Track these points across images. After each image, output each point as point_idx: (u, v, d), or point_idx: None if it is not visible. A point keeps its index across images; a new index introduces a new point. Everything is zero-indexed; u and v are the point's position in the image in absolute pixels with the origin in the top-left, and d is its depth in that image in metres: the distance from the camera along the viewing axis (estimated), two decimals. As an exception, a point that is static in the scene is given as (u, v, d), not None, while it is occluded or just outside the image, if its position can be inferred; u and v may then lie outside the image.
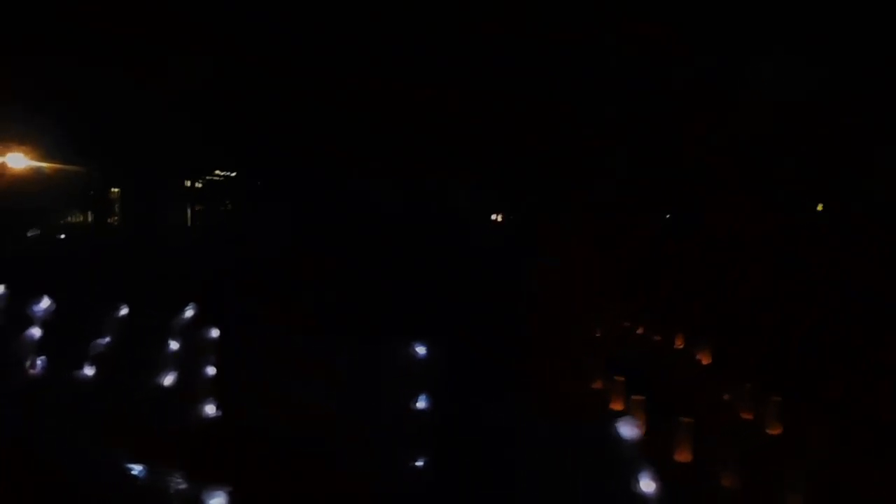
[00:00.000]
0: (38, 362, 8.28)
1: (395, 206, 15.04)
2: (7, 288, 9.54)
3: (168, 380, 7.96)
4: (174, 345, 8.41)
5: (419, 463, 6.26)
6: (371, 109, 14.84)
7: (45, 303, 8.89)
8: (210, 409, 7.26)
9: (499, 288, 11.32)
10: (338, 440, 6.44)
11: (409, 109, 14.74)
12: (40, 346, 8.41)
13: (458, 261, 12.60)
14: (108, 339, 8.61)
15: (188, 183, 20.77)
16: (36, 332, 8.57)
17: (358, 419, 6.86)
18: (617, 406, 7.88)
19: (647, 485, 5.68)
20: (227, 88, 15.35)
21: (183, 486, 5.63)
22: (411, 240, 13.61)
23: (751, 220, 13.12)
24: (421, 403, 7.37)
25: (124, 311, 9.12)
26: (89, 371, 8.17)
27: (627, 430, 6.08)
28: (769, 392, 7.69)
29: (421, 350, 8.07)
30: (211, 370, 7.95)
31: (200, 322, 8.73)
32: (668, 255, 13.80)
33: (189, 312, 9.08)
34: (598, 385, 8.64)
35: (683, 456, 6.52)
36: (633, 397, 7.39)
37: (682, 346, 10.52)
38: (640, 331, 11.35)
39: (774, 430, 7.41)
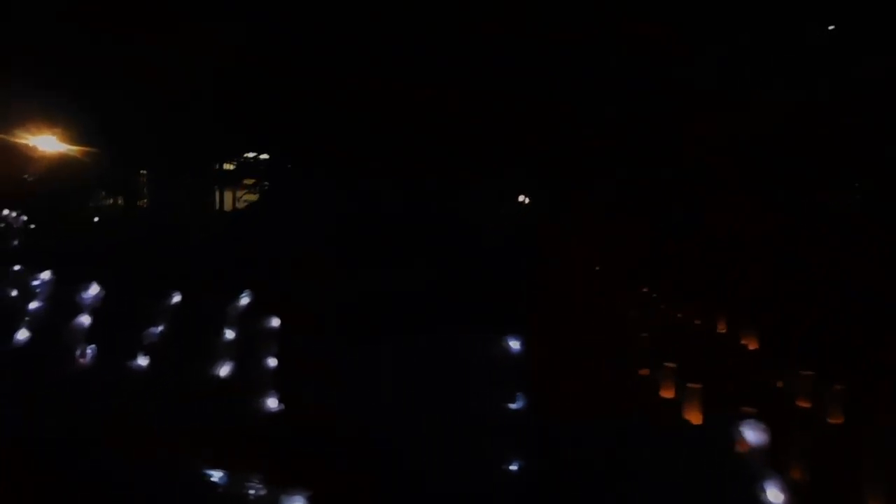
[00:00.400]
0: (88, 351, 8.02)
1: (414, 207, 14.91)
2: (53, 273, 9.19)
3: (225, 371, 7.56)
4: (230, 334, 7.96)
5: (513, 467, 5.87)
6: (371, 109, 14.84)
7: (94, 290, 8.57)
8: (272, 403, 6.91)
9: (506, 285, 11.16)
10: (422, 439, 6.04)
11: (409, 109, 14.74)
12: (90, 335, 8.10)
13: (473, 258, 12.40)
14: (161, 328, 8.24)
15: (217, 166, 20.54)
16: (85, 320, 8.26)
17: (442, 417, 6.39)
18: (668, 394, 7.57)
19: (774, 496, 5.30)
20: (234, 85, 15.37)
21: (262, 492, 5.33)
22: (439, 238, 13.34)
23: (751, 220, 13.13)
24: (518, 403, 6.82)
25: (176, 298, 8.69)
26: (143, 361, 7.83)
27: (752, 433, 5.63)
28: (829, 380, 7.40)
29: (515, 344, 7.41)
30: (272, 361, 7.53)
31: (257, 310, 8.24)
32: (668, 254, 13.81)
33: (244, 300, 8.58)
34: (644, 372, 8.32)
35: (745, 446, 6.28)
36: (689, 385, 7.06)
37: (724, 331, 10.27)
38: (679, 315, 11.08)
39: (836, 420, 7.24)
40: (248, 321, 8.04)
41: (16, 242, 16.00)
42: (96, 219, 20.60)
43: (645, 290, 12.94)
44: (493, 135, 14.81)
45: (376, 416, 6.49)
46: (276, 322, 7.88)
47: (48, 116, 14.86)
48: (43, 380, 7.28)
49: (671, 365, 7.76)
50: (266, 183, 19.86)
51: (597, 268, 14.13)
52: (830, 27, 13.92)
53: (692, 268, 13.21)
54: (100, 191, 21.67)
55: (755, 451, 5.47)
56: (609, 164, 14.96)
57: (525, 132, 14.68)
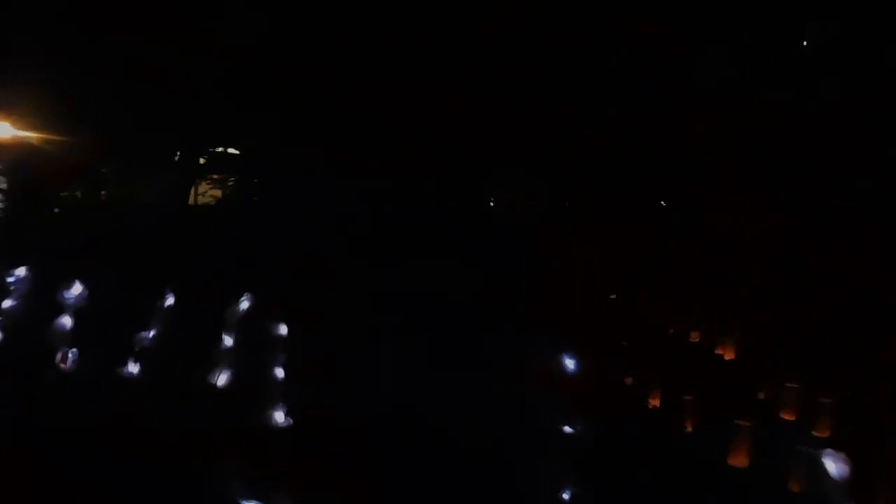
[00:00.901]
0: (70, 355, 7.67)
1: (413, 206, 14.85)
2: (30, 270, 8.71)
3: (223, 380, 7.21)
4: (229, 340, 7.57)
5: (566, 495, 5.72)
6: (369, 109, 14.82)
7: (77, 288, 8.13)
8: (279, 416, 6.61)
9: (506, 286, 11.10)
10: (473, 456, 5.83)
11: (408, 109, 14.73)
12: (72, 337, 7.73)
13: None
14: (152, 332, 7.86)
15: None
16: (66, 321, 7.87)
17: (487, 434, 6.15)
18: (656, 402, 7.53)
19: None
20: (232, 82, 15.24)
21: None
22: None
23: (751, 220, 13.13)
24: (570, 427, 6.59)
25: (170, 300, 8.25)
26: (133, 368, 7.46)
27: (834, 465, 5.43)
28: (815, 392, 7.34)
29: (570, 364, 7.15)
30: (278, 371, 7.16)
31: (258, 315, 7.83)
32: (668, 254, 13.80)
33: (244, 303, 8.14)
34: (629, 380, 8.25)
35: (739, 460, 6.23)
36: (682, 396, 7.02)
37: (698, 341, 10.22)
38: (663, 320, 11.04)
39: (823, 433, 7.11)
40: (251, 326, 7.73)
41: None
42: (56, 210, 19.70)
43: (644, 290, 12.94)
44: (493, 135, 14.80)
45: (392, 425, 6.30)
46: (283, 329, 7.57)
47: (8, 102, 14.27)
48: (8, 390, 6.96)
49: (658, 373, 7.76)
50: (232, 179, 19.31)
51: (597, 269, 14.13)
52: (830, 26, 13.94)
53: (692, 268, 13.21)
54: (70, 182, 20.92)
55: (836, 483, 5.34)
56: (609, 164, 14.95)
57: (525, 132, 14.67)
